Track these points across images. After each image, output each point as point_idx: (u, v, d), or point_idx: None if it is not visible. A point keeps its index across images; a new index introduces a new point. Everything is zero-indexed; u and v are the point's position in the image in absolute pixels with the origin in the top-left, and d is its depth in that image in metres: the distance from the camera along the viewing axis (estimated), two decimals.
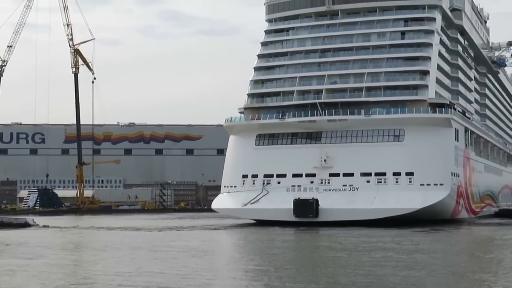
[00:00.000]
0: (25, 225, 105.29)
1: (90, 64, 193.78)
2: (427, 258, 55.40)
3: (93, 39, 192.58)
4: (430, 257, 56.06)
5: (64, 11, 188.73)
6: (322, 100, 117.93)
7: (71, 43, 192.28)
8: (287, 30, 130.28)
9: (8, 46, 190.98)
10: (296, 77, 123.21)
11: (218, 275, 44.40)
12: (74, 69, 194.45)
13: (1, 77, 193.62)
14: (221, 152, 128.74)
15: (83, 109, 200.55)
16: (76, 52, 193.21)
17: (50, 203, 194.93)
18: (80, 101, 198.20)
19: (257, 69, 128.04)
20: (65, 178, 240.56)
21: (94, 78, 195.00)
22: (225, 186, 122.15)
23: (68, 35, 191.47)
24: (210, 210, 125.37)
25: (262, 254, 62.46)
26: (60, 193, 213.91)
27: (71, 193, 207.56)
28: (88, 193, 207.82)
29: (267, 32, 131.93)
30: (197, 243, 73.52)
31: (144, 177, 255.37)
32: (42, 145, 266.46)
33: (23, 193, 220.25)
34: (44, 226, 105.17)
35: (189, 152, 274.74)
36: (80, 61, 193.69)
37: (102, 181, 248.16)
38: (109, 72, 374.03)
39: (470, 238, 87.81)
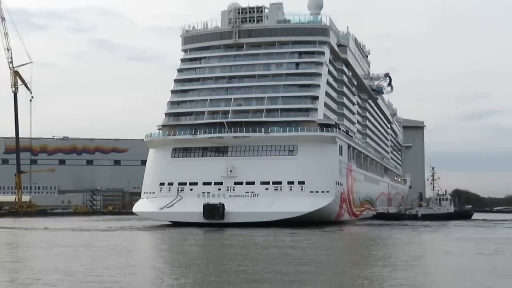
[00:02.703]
0: None
1: (28, 84, 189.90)
2: (315, 253, 56.40)
3: (30, 62, 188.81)
4: (317, 253, 57.20)
5: (4, 37, 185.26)
6: (228, 120, 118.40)
7: (11, 65, 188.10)
8: (199, 59, 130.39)
9: None
10: (207, 99, 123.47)
11: (134, 271, 44.06)
12: (13, 89, 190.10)
13: None
14: (144, 163, 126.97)
15: (22, 124, 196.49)
16: (16, 74, 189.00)
17: None
18: (19, 117, 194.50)
19: (173, 92, 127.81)
20: (5, 185, 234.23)
21: (32, 97, 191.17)
22: (145, 192, 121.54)
23: (8, 58, 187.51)
24: (134, 213, 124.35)
25: (175, 251, 62.66)
26: (0, 198, 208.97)
27: (10, 198, 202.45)
28: (25, 198, 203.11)
29: (183, 60, 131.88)
30: (119, 242, 73.06)
31: (76, 184, 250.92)
32: None
33: None
34: None
35: (117, 162, 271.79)
36: (19, 82, 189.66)
37: (39, 187, 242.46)
38: (46, 91, 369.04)
39: (351, 236, 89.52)
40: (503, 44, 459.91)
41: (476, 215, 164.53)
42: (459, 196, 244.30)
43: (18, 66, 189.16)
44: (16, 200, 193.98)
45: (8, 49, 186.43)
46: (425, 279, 38.58)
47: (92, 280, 36.83)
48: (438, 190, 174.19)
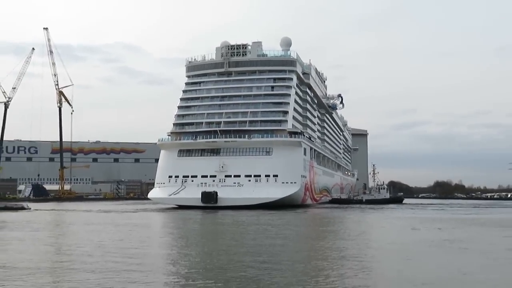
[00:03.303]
0: (22, 208, 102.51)
1: (70, 101, 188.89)
2: (287, 229, 56.62)
3: (72, 84, 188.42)
4: (288, 229, 57.43)
5: (52, 66, 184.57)
6: (221, 128, 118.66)
7: (57, 87, 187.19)
8: (199, 83, 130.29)
9: (12, 88, 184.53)
10: (205, 113, 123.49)
11: (150, 243, 44.28)
12: (59, 104, 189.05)
13: (8, 109, 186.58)
14: (157, 161, 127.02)
15: (64, 131, 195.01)
16: (60, 93, 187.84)
17: (40, 194, 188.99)
18: (62, 126, 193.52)
19: (179, 107, 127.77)
20: (51, 177, 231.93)
21: (73, 111, 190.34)
22: (157, 183, 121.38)
23: (55, 81, 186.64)
24: (149, 199, 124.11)
25: (180, 227, 62.80)
26: (48, 187, 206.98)
27: (55, 187, 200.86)
28: (67, 187, 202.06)
29: (187, 83, 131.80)
30: (138, 220, 73.06)
31: (106, 177, 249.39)
32: (36, 155, 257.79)
33: (21, 187, 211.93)
34: (36, 209, 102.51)
35: (137, 160, 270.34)
36: (63, 99, 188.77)
37: (77, 179, 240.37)
38: (83, 106, 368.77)
39: (313, 216, 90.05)
40: (427, 73, 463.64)
41: (406, 200, 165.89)
42: (394, 185, 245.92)
43: (63, 87, 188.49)
44: (60, 188, 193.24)
45: (55, 75, 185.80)
46: (369, 248, 39.07)
47: (117, 250, 36.88)
48: (378, 181, 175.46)
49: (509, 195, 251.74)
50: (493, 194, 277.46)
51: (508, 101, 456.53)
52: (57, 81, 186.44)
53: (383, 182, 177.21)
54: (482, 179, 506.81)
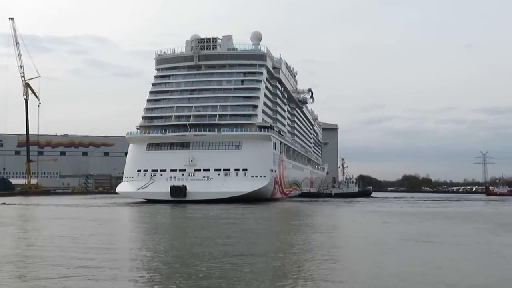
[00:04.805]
0: None
1: (36, 93, 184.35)
2: (256, 223, 56.13)
3: (39, 76, 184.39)
4: (258, 222, 56.91)
5: (18, 57, 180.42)
6: (190, 122, 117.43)
7: (23, 78, 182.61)
8: (169, 76, 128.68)
9: None
10: (174, 106, 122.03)
11: (118, 237, 43.39)
12: (25, 97, 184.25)
13: None
14: (127, 154, 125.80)
15: (31, 124, 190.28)
16: (27, 85, 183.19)
17: (5, 188, 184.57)
18: (29, 118, 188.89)
19: (148, 100, 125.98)
20: (17, 171, 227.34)
21: (39, 103, 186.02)
22: (126, 177, 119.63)
23: (21, 73, 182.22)
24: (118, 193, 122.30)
25: (149, 222, 61.67)
26: (14, 181, 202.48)
27: (22, 181, 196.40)
28: (34, 181, 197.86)
29: (156, 77, 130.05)
30: (106, 215, 71.80)
31: (74, 171, 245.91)
32: (1, 148, 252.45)
33: None
34: (1, 203, 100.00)
35: (106, 154, 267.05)
36: (30, 91, 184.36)
37: (44, 173, 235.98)
38: (50, 99, 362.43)
39: (281, 208, 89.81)
40: (397, 69, 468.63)
41: (374, 194, 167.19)
42: (363, 179, 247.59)
43: (29, 79, 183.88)
44: (26, 182, 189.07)
45: (21, 66, 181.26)
46: (340, 239, 38.81)
47: (83, 244, 35.77)
48: (347, 175, 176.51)
49: (473, 189, 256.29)
50: (458, 187, 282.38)
51: (474, 97, 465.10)
52: (23, 73, 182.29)
53: (352, 176, 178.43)
54: (448, 173, 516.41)
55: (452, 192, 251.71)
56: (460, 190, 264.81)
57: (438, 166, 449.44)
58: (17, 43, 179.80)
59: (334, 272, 24.41)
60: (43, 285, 21.94)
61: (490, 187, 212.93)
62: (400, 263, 26.76)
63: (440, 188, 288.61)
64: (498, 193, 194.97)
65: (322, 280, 22.28)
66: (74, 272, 24.43)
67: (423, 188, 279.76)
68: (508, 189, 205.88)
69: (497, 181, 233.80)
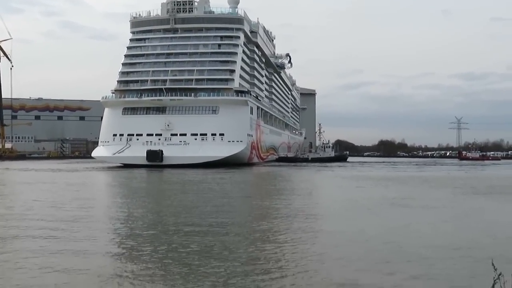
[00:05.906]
0: None
1: (9, 56, 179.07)
2: (232, 187, 55.60)
3: (10, 38, 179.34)
4: (235, 186, 56.43)
5: None
6: (166, 86, 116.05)
7: None
8: (144, 39, 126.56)
9: None
10: (150, 70, 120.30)
11: (93, 203, 42.37)
12: None
13: None
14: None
15: (4, 87, 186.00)
16: None
17: None
18: (1, 82, 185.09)
19: (124, 64, 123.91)
20: None
21: (12, 66, 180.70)
22: (101, 142, 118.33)
23: None
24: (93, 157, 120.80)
25: (125, 186, 60.70)
26: None
27: None
28: (8, 145, 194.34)
29: (131, 40, 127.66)
30: (82, 179, 70.36)
31: (50, 135, 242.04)
32: None
33: None
34: None
35: (82, 118, 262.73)
36: (1, 54, 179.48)
37: (19, 137, 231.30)
38: (23, 61, 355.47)
39: (258, 173, 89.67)
40: (374, 34, 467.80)
41: (350, 159, 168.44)
42: (340, 144, 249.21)
43: (0, 41, 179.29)
44: (0, 147, 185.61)
45: None
46: (320, 204, 38.45)
47: (57, 210, 34.78)
48: (324, 140, 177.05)
49: (447, 153, 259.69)
50: (433, 152, 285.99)
51: (450, 63, 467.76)
52: None
53: (329, 141, 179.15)
54: (424, 138, 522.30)
55: (427, 157, 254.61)
56: (435, 155, 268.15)
57: (414, 131, 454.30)
58: None
59: (319, 235, 23.97)
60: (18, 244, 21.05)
61: (463, 152, 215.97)
62: (383, 227, 26.53)
63: (415, 153, 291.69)
64: (470, 157, 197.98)
65: (307, 244, 21.87)
66: (53, 239, 23.52)
67: (398, 153, 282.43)
68: (480, 154, 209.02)
69: (469, 146, 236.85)
